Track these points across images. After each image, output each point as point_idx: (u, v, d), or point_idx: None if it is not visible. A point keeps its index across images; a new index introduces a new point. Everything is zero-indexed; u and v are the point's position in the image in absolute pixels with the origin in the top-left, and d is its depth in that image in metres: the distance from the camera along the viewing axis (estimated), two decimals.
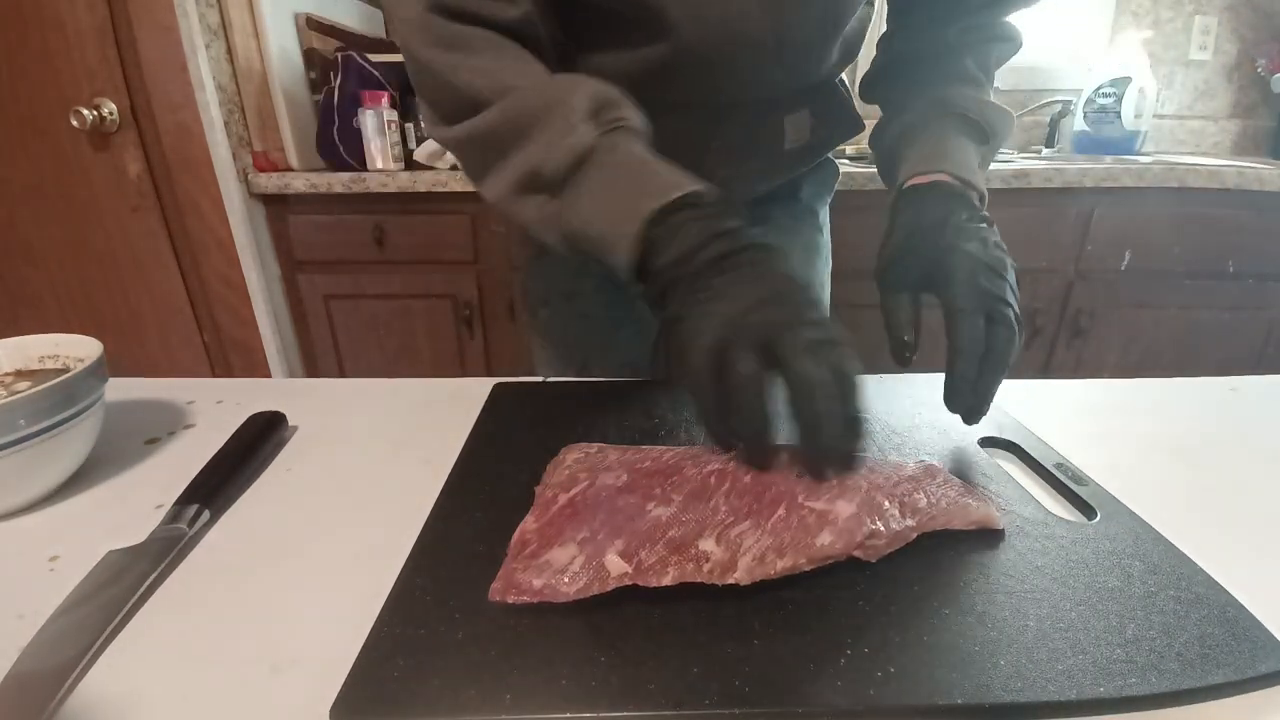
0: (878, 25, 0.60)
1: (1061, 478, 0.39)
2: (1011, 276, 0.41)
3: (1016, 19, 0.56)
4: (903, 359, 0.45)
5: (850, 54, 0.58)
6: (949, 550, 0.33)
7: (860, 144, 1.60)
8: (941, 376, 0.40)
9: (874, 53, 0.60)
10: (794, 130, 0.60)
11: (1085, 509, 0.37)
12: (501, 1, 0.45)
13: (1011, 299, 0.40)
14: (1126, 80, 1.69)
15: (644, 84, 0.52)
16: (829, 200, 0.74)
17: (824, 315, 0.34)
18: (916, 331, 0.45)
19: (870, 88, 0.60)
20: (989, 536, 0.34)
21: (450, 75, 0.44)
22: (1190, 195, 1.42)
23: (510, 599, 0.28)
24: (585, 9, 0.51)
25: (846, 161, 1.62)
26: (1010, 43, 0.55)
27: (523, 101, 0.43)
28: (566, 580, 0.29)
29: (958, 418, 0.41)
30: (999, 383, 0.40)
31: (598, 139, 0.41)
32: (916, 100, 0.52)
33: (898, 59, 0.57)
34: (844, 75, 0.63)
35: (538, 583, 0.29)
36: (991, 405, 0.41)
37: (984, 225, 0.44)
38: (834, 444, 0.31)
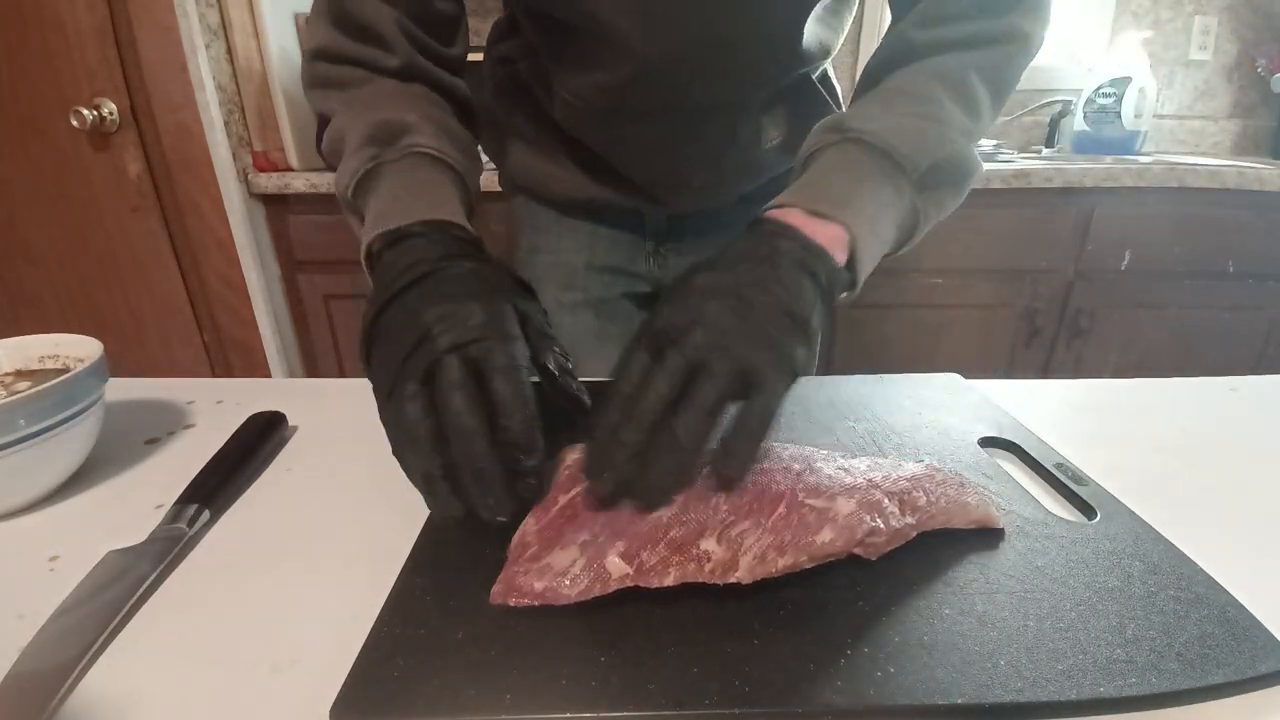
0: (878, 25, 0.59)
1: (1061, 478, 0.39)
2: (728, 318, 0.32)
3: (1028, 16, 0.45)
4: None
5: (825, 50, 0.56)
6: (949, 550, 0.33)
7: None
8: (941, 376, 0.40)
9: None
10: (772, 129, 0.59)
11: (1085, 509, 0.37)
12: (378, 50, 0.47)
13: (696, 338, 0.31)
14: (1126, 80, 1.69)
15: (619, 99, 0.53)
16: None
17: (501, 332, 0.33)
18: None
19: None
20: (989, 536, 0.34)
21: (325, 109, 0.48)
22: (1190, 195, 1.42)
23: (512, 602, 0.28)
24: (554, 33, 0.52)
25: None
26: (1002, 45, 0.45)
27: (336, 126, 0.46)
28: (568, 583, 0.29)
29: (958, 418, 0.40)
30: (623, 438, 0.31)
31: (383, 165, 0.43)
32: (819, 125, 0.45)
33: (868, 68, 0.50)
34: (830, 71, 0.63)
35: (539, 585, 0.29)
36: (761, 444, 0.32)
37: (750, 264, 0.34)
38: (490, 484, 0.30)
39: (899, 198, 0.41)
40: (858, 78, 0.52)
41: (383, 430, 0.32)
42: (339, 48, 0.47)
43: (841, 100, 0.64)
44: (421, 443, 0.31)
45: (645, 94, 0.52)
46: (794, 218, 0.38)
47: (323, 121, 0.49)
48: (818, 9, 0.50)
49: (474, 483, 0.30)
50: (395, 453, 0.32)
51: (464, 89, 0.53)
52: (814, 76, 0.60)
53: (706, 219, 0.67)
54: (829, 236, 0.37)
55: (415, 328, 0.32)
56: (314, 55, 0.48)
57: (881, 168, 0.40)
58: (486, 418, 0.31)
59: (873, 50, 0.53)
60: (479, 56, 0.68)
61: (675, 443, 0.30)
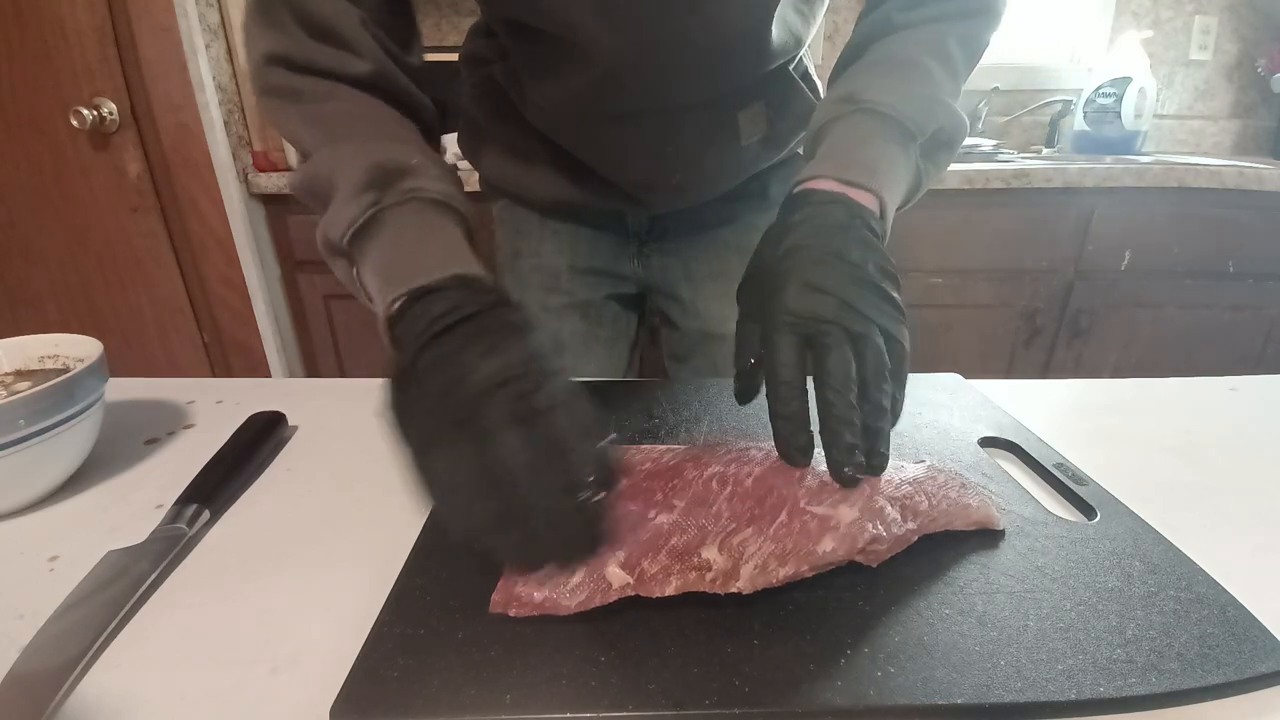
0: (848, 14, 0.58)
1: (1061, 478, 0.39)
2: (860, 292, 0.34)
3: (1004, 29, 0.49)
4: (741, 395, 0.39)
5: (798, 41, 0.55)
6: (949, 550, 0.33)
7: None
8: (941, 376, 0.40)
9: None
10: (750, 124, 0.58)
11: (1085, 509, 0.37)
12: (346, 54, 0.43)
13: (843, 316, 0.33)
14: (1126, 80, 1.69)
15: (591, 101, 0.52)
16: None
17: (548, 373, 0.29)
18: (754, 370, 0.38)
19: (829, 86, 0.55)
20: (989, 536, 0.34)
21: (282, 125, 0.44)
22: (1190, 195, 1.42)
23: (512, 612, 0.28)
24: (524, 36, 0.51)
25: None
26: (978, 18, 0.47)
27: (317, 166, 0.41)
28: (568, 593, 0.28)
29: (958, 418, 0.40)
30: (844, 417, 0.31)
31: (383, 210, 0.39)
32: (829, 97, 0.47)
33: (849, 50, 0.51)
34: (808, 64, 0.62)
35: (539, 596, 0.28)
36: (884, 450, 0.33)
37: (840, 235, 0.36)
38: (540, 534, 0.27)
39: (908, 162, 0.43)
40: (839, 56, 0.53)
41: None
42: (299, 51, 0.42)
43: (820, 90, 0.63)
44: (473, 497, 0.27)
45: (616, 97, 0.52)
46: (832, 186, 0.40)
47: (282, 133, 0.45)
48: (786, 1, 0.50)
49: (549, 526, 0.27)
50: (440, 515, 0.30)
51: (427, 101, 0.49)
52: (790, 69, 0.59)
53: (689, 216, 0.67)
54: (866, 202, 0.40)
55: (453, 371, 0.30)
56: (268, 59, 0.43)
57: (894, 135, 0.43)
58: (544, 456, 0.27)
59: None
60: (451, 57, 0.67)
61: (881, 409, 0.32)
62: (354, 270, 0.41)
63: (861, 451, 0.32)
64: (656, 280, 0.71)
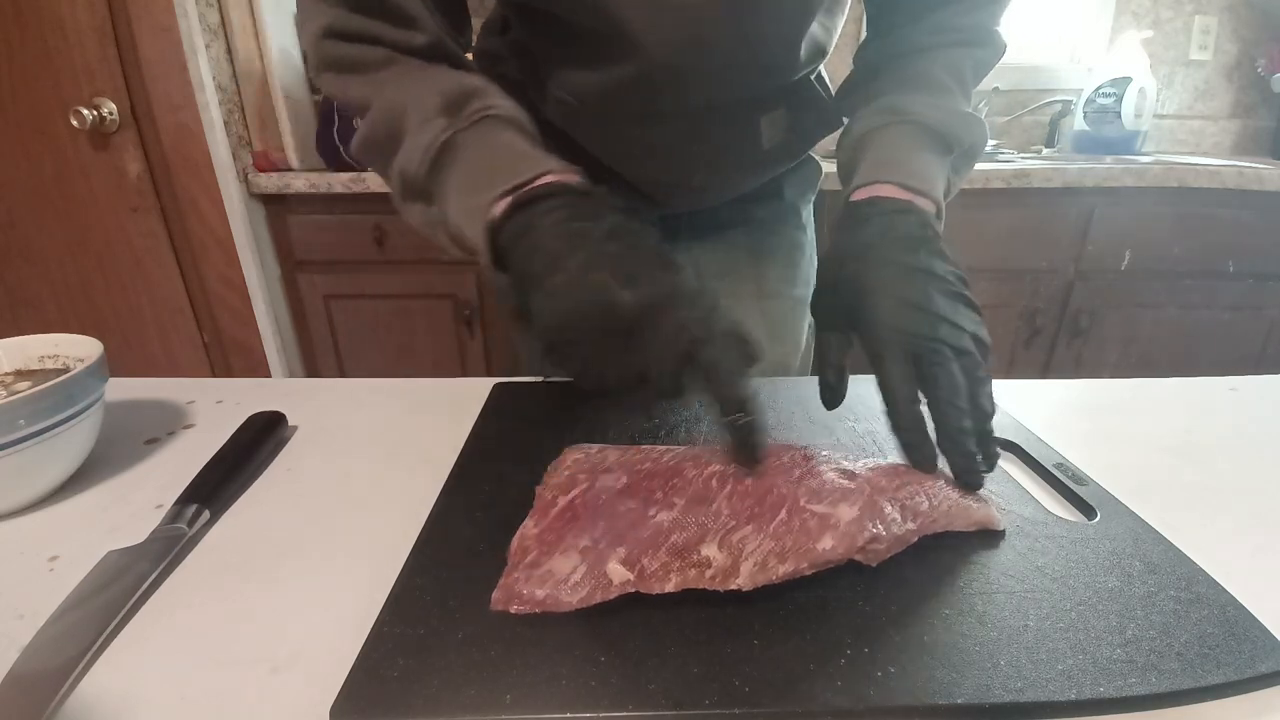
0: (854, 32, 0.59)
1: (1061, 478, 0.39)
2: (944, 304, 0.36)
3: (1002, 23, 0.52)
4: (828, 403, 0.41)
5: (822, 51, 0.56)
6: (949, 550, 0.33)
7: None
8: None
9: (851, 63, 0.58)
10: (771, 129, 0.59)
11: (1085, 509, 0.37)
12: (405, 28, 0.43)
13: (948, 332, 0.35)
14: (1126, 80, 1.69)
15: (620, 99, 0.52)
16: (812, 198, 0.74)
17: (679, 271, 0.33)
18: (843, 374, 0.40)
19: (842, 98, 0.58)
20: (989, 536, 0.34)
21: (342, 97, 0.44)
22: (1190, 195, 1.42)
23: (513, 609, 0.28)
24: (553, 31, 0.50)
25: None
26: (988, 49, 0.51)
27: (385, 110, 0.42)
28: (569, 590, 0.29)
29: None
30: (964, 427, 0.34)
31: (457, 134, 0.39)
32: (872, 109, 0.49)
33: (867, 67, 0.54)
34: (823, 71, 0.63)
35: (540, 593, 0.28)
36: (993, 450, 0.36)
37: (922, 248, 0.38)
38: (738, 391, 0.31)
39: (944, 172, 0.46)
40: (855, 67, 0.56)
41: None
42: (356, 25, 0.43)
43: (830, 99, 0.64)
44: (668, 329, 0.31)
45: (648, 95, 0.52)
46: (897, 193, 0.42)
47: (338, 113, 0.46)
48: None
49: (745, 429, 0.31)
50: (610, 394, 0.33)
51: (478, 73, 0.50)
52: (811, 77, 0.60)
53: (702, 216, 0.67)
54: (928, 208, 0.42)
55: (625, 316, 0.31)
56: (325, 33, 0.43)
57: (936, 146, 0.46)
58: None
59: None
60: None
61: (986, 414, 0.35)
62: (432, 210, 0.41)
63: (979, 454, 0.34)
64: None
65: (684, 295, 0.32)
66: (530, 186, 0.36)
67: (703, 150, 0.58)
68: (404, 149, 0.41)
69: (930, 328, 0.35)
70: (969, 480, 0.34)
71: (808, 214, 0.74)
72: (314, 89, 1.56)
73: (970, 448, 0.34)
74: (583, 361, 0.33)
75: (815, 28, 0.53)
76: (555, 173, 0.37)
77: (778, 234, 0.71)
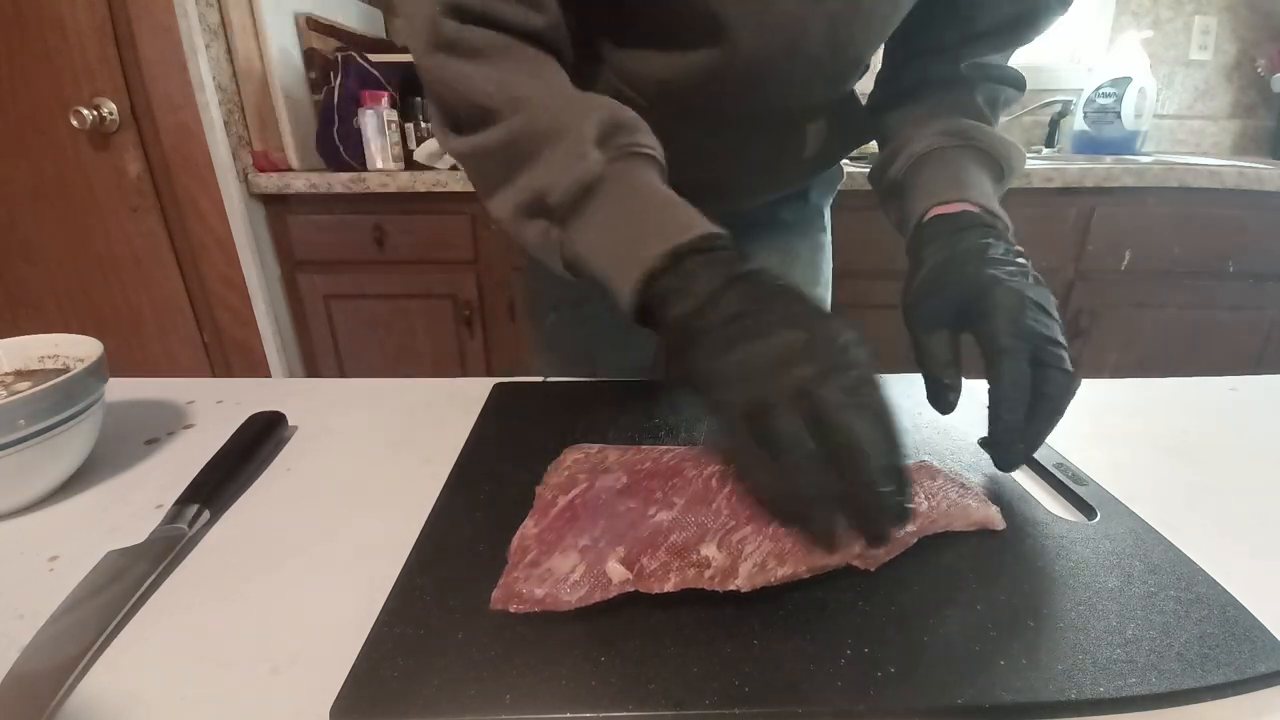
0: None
1: (1061, 478, 0.39)
2: (1057, 315, 0.38)
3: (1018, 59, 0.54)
4: (946, 405, 0.40)
5: (868, 67, 0.58)
6: (949, 551, 0.33)
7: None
8: None
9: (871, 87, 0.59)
10: (814, 138, 0.59)
11: (1085, 509, 0.37)
12: (527, 8, 0.41)
13: (1063, 339, 0.37)
14: (1126, 80, 1.69)
15: (687, 93, 0.51)
16: (832, 199, 0.75)
17: (860, 356, 0.31)
18: (959, 374, 0.40)
19: (873, 116, 0.58)
20: (989, 536, 0.34)
21: (459, 84, 0.41)
22: (1190, 195, 1.42)
23: (513, 608, 0.28)
24: (624, 20, 0.49)
25: (847, 161, 1.62)
26: (1015, 88, 0.54)
27: (533, 121, 0.40)
28: (568, 589, 0.29)
29: (958, 418, 0.41)
30: (1048, 434, 0.36)
31: (606, 168, 0.38)
32: (927, 130, 0.50)
33: (903, 92, 0.55)
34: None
35: (539, 592, 0.28)
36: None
37: (1022, 259, 0.40)
38: (886, 502, 0.28)
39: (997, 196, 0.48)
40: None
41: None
42: (481, 4, 0.40)
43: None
44: (808, 465, 0.28)
45: (715, 93, 0.51)
46: (980, 212, 0.44)
47: (436, 89, 0.43)
48: None
49: (869, 501, 0.28)
50: (759, 474, 0.32)
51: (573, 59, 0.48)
52: (852, 90, 0.61)
53: (733, 217, 0.67)
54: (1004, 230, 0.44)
55: (780, 351, 0.30)
56: (444, 10, 0.40)
57: (994, 173, 0.49)
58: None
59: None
60: None
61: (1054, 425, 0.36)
62: (553, 233, 0.40)
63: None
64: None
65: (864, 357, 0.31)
66: (691, 240, 0.36)
67: (749, 157, 0.58)
68: (546, 170, 0.39)
69: (1053, 332, 0.37)
70: (1010, 469, 0.38)
71: (829, 215, 0.75)
72: (314, 89, 1.56)
73: (1033, 451, 0.37)
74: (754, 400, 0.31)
75: None
76: (710, 230, 0.36)
77: (804, 235, 0.71)
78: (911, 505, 0.30)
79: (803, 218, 0.71)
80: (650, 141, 0.41)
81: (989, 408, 0.36)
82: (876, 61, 0.58)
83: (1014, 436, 0.36)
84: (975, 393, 0.51)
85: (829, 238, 0.75)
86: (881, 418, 0.29)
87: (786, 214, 0.70)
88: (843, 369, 0.30)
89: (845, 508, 0.29)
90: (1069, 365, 0.36)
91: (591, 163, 0.38)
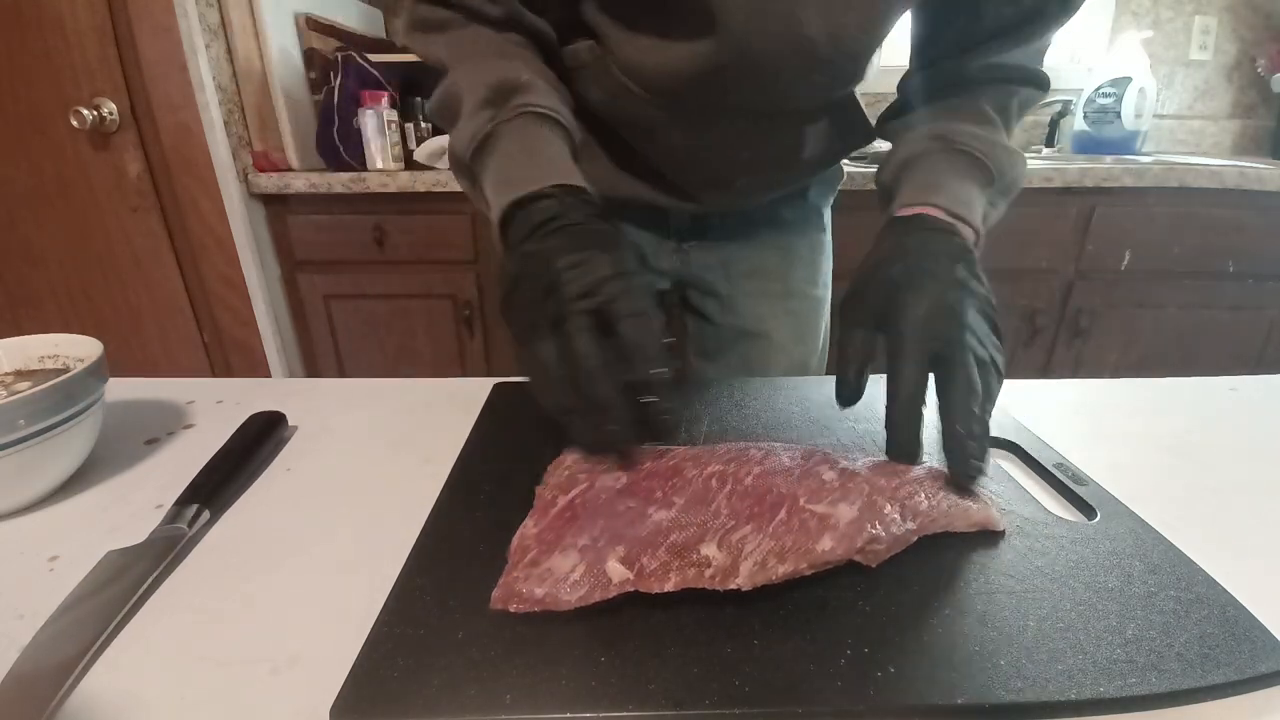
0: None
1: (1061, 478, 0.39)
2: (975, 318, 0.38)
3: (1043, 63, 0.53)
4: (843, 400, 0.40)
5: (871, 68, 0.57)
6: (949, 550, 0.33)
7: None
8: None
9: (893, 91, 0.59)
10: (814, 139, 0.60)
11: (1085, 509, 0.37)
12: (485, 1, 0.47)
13: (974, 342, 0.36)
14: (1126, 80, 1.69)
15: (688, 85, 0.52)
16: (832, 200, 0.75)
17: (629, 283, 0.36)
18: (863, 373, 0.40)
19: (885, 122, 0.58)
20: (989, 536, 0.34)
21: (427, 53, 0.49)
22: (1190, 195, 1.42)
23: (513, 608, 0.28)
24: (629, 12, 0.50)
25: (847, 162, 1.62)
26: (1036, 88, 0.53)
27: (454, 81, 0.47)
28: (568, 589, 0.29)
29: None
30: (972, 431, 0.35)
31: (498, 125, 0.43)
32: (919, 134, 0.50)
33: (915, 95, 0.55)
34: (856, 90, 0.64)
35: (539, 592, 0.28)
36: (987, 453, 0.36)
37: (961, 264, 0.40)
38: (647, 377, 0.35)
39: (982, 202, 0.47)
40: (883, 110, 0.58)
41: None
42: None
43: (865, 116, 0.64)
44: (555, 383, 0.35)
45: (718, 88, 0.51)
46: (941, 215, 0.44)
47: (433, 72, 0.49)
48: None
49: (602, 417, 0.34)
50: (532, 390, 0.36)
51: (554, 40, 0.53)
52: (853, 93, 0.61)
53: (733, 216, 0.68)
54: (968, 236, 0.45)
55: (547, 276, 0.36)
56: None
57: (980, 178, 0.47)
58: (613, 359, 0.34)
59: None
60: None
61: (987, 426, 0.36)
62: (476, 188, 0.46)
63: (978, 460, 0.35)
64: (695, 276, 0.71)
65: (617, 266, 0.37)
66: (529, 193, 0.41)
67: (749, 156, 0.58)
68: (457, 130, 0.46)
69: (958, 332, 0.36)
70: (962, 479, 0.35)
71: (828, 215, 0.75)
72: (314, 89, 1.56)
73: (973, 447, 0.35)
74: (520, 314, 0.37)
75: None
76: (554, 182, 0.41)
77: (803, 235, 0.72)
78: (671, 408, 0.36)
79: (801, 216, 0.71)
80: (543, 100, 0.45)
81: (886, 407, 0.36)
82: (891, 65, 0.58)
83: (910, 435, 0.36)
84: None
85: (828, 237, 0.75)
86: (642, 325, 0.35)
87: (786, 212, 0.70)
88: (609, 289, 0.35)
89: (621, 412, 0.34)
90: (972, 367, 0.35)
91: (482, 122, 0.44)
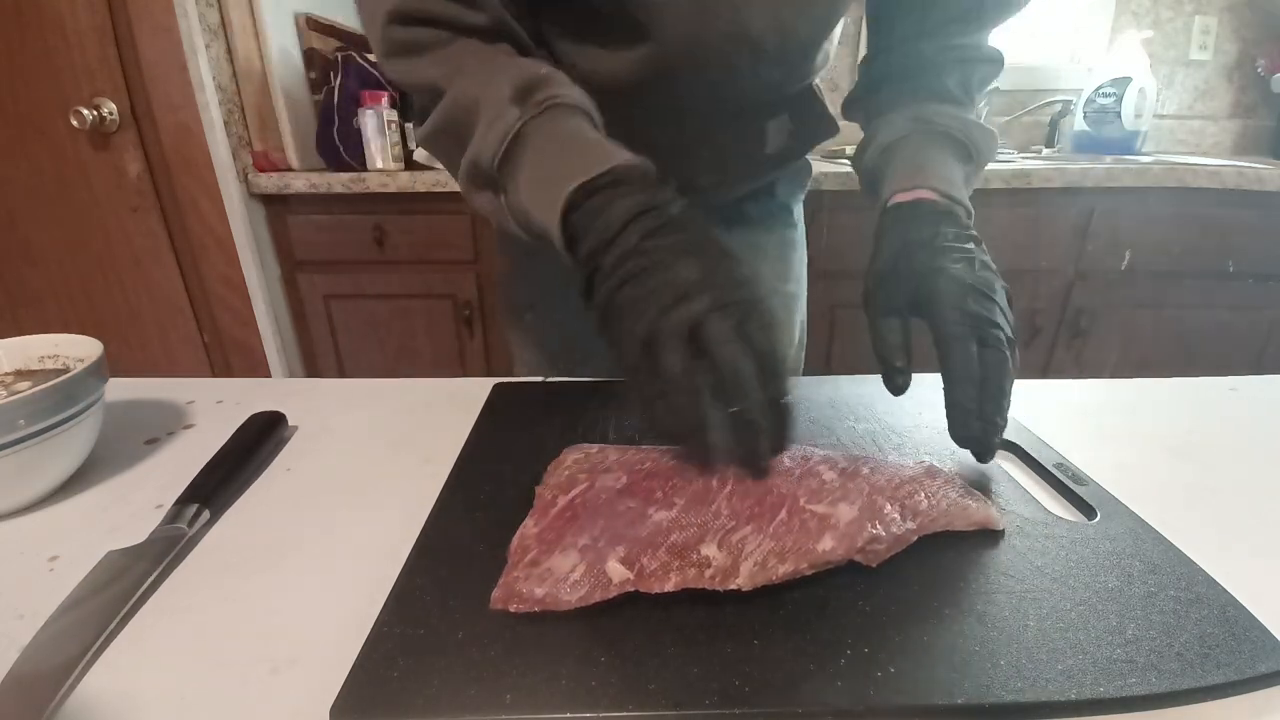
0: (852, 46, 0.61)
1: (1061, 478, 0.39)
2: (1001, 297, 0.40)
3: (1001, 35, 0.54)
4: (896, 387, 0.42)
5: (826, 59, 0.58)
6: (949, 550, 0.33)
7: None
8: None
9: (855, 75, 0.59)
10: (775, 135, 0.60)
11: (1085, 509, 0.37)
12: (462, 6, 0.43)
13: (1002, 321, 0.38)
14: (1126, 80, 1.69)
15: (639, 87, 0.52)
16: (802, 197, 0.75)
17: (750, 293, 0.33)
18: (909, 358, 0.42)
19: (851, 107, 0.59)
20: (989, 536, 0.34)
21: (412, 77, 0.44)
22: (1190, 195, 1.42)
23: (513, 608, 0.28)
24: (570, 18, 0.50)
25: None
26: (993, 64, 0.54)
27: (461, 95, 0.42)
28: (568, 589, 0.29)
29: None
30: (1002, 410, 0.37)
31: (526, 123, 0.40)
32: (897, 118, 0.51)
33: (879, 78, 0.56)
34: (818, 82, 0.64)
35: (539, 591, 0.28)
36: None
37: (971, 244, 0.42)
38: (763, 433, 0.32)
39: (964, 180, 0.49)
40: (848, 93, 0.58)
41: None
42: (417, 6, 0.43)
43: (829, 107, 0.65)
44: (685, 400, 0.31)
45: (664, 89, 0.51)
46: (936, 198, 0.45)
47: (417, 96, 0.46)
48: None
49: (747, 431, 0.32)
50: (651, 403, 0.33)
51: (533, 50, 0.49)
52: (813, 86, 0.61)
53: (705, 214, 0.67)
54: (962, 215, 0.45)
55: (675, 283, 0.33)
56: (389, 19, 0.43)
57: (962, 155, 0.49)
58: (756, 377, 0.32)
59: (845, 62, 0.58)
60: None
61: (1008, 401, 0.38)
62: (501, 198, 0.42)
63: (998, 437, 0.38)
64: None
65: (744, 273, 0.34)
66: (601, 174, 0.37)
67: (710, 152, 0.58)
68: (476, 138, 0.41)
69: (995, 315, 0.38)
70: (985, 457, 0.38)
71: (798, 212, 0.75)
72: (314, 89, 1.56)
73: (999, 423, 0.37)
74: (639, 324, 0.33)
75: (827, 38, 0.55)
76: (623, 162, 0.38)
77: (771, 231, 0.71)
78: (785, 439, 0.33)
79: (768, 213, 0.71)
80: (569, 92, 0.42)
81: (945, 393, 0.38)
82: (849, 53, 0.59)
83: (969, 416, 0.37)
84: None
85: (800, 234, 0.74)
86: (765, 352, 0.32)
87: (752, 209, 0.69)
88: (732, 305, 0.32)
89: (726, 437, 0.32)
90: (1005, 346, 0.38)
91: (510, 121, 0.40)
